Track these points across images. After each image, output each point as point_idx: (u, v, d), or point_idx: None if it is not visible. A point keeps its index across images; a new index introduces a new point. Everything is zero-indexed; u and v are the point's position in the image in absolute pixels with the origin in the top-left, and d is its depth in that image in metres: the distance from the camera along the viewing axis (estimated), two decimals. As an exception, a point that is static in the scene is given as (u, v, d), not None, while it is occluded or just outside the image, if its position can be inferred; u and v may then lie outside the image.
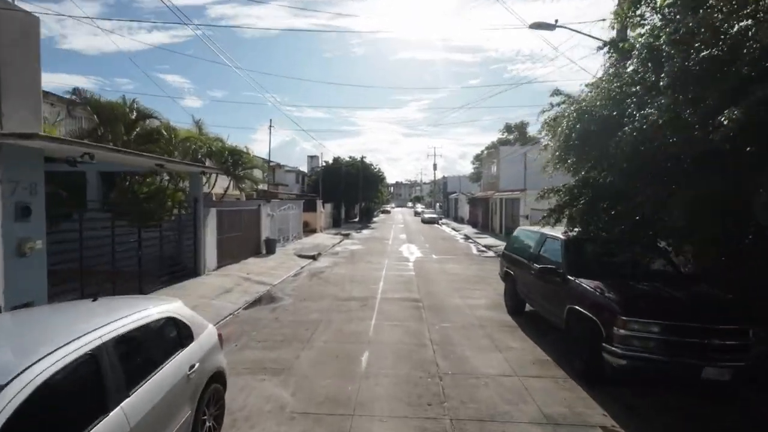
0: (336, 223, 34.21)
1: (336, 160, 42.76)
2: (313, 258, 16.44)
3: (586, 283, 5.61)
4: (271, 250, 16.54)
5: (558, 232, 7.21)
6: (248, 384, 5.23)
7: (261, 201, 17.86)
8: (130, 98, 11.62)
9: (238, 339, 6.95)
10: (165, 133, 11.82)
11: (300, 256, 16.60)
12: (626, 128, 4.28)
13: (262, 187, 32.89)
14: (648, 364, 4.51)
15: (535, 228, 8.83)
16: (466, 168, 56.28)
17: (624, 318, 4.63)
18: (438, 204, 63.76)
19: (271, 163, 37.21)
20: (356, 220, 43.59)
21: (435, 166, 58.80)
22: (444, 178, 62.72)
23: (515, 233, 9.50)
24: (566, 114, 5.76)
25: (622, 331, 4.62)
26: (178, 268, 10.77)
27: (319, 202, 28.67)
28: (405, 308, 8.98)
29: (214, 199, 21.66)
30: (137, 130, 11.57)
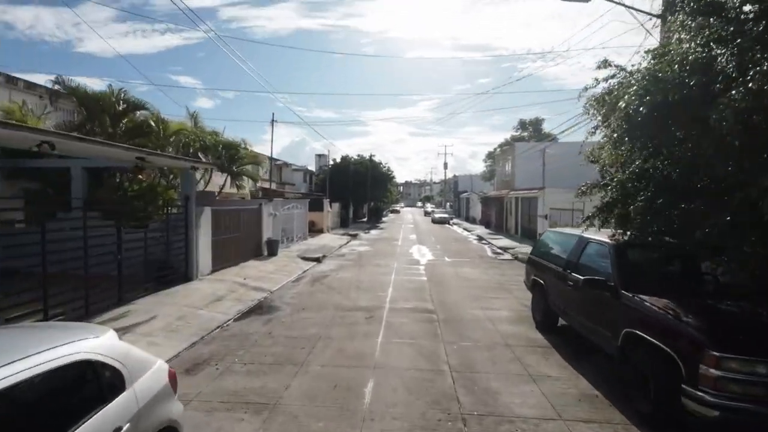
0: (344, 223, 33.21)
1: (344, 158, 41.78)
2: (317, 261, 15.39)
3: (650, 301, 4.41)
4: (272, 251, 15.55)
5: (601, 235, 6.02)
6: (222, 427, 4.16)
7: (263, 200, 16.88)
8: (136, 92, 10.72)
9: (221, 360, 5.91)
10: (154, 126, 10.86)
11: (303, 258, 15.58)
12: (732, 93, 3.12)
13: (265, 185, 32.07)
14: (753, 417, 3.31)
15: (569, 230, 7.63)
16: (477, 168, 54.98)
17: (717, 354, 3.44)
18: (448, 204, 62.39)
19: (278, 162, 36.43)
20: (365, 220, 42.57)
21: (446, 165, 57.46)
22: (455, 177, 61.28)
23: (544, 236, 8.28)
24: (628, 85, 4.57)
25: (713, 372, 3.43)
26: (168, 272, 9.81)
27: (325, 202, 27.69)
28: (417, 321, 7.85)
29: (217, 197, 20.84)
30: (125, 121, 10.64)
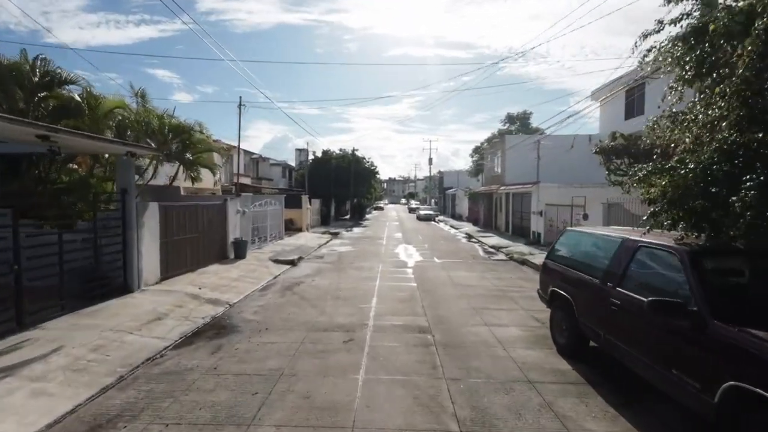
0: (324, 220, 31.37)
1: (325, 153, 39.84)
2: (292, 264, 13.61)
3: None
4: (240, 254, 13.68)
5: (658, 237, 4.50)
6: None
7: (229, 196, 14.92)
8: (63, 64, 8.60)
9: (136, 417, 4.14)
10: (81, 102, 8.82)
11: (276, 261, 13.76)
12: None
13: (242, 180, 29.84)
14: None
15: (602, 231, 6.11)
16: (459, 165, 53.94)
17: None
18: (433, 200, 61.12)
19: (254, 156, 34.25)
20: (347, 217, 40.78)
21: (431, 160, 56.15)
22: (440, 173, 60.03)
23: (564, 237, 6.74)
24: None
25: None
26: (98, 283, 7.89)
27: (304, 198, 25.80)
28: (409, 345, 6.23)
29: (183, 193, 18.71)
30: (42, 95, 8.57)
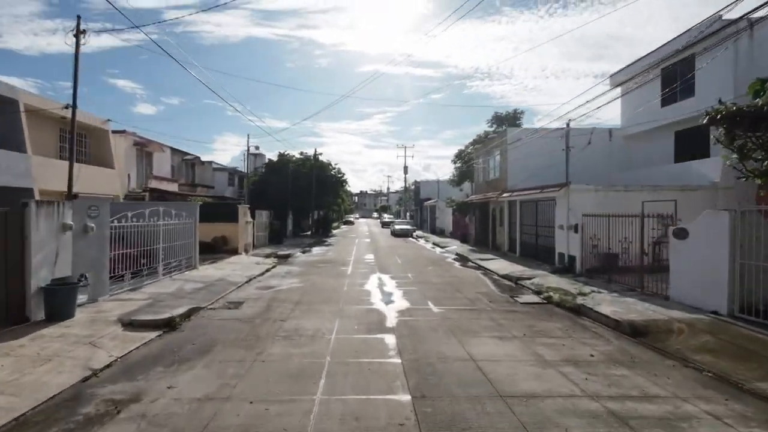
0: (276, 238, 24.70)
1: (282, 156, 33.30)
2: (165, 327, 7.08)
3: None
4: (60, 311, 7.01)
5: None
6: None
7: (38, 201, 8.25)
8: None
9: None
10: None
11: (130, 325, 7.17)
12: None
13: (166, 186, 22.86)
14: None
15: None
16: (432, 179, 48.70)
17: None
18: (408, 213, 55.45)
19: (187, 157, 27.29)
20: (309, 233, 34.10)
21: (406, 169, 50.47)
22: (416, 183, 54.51)
23: None
24: None
25: None
26: None
27: (242, 209, 19.16)
28: None
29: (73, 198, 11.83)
30: None
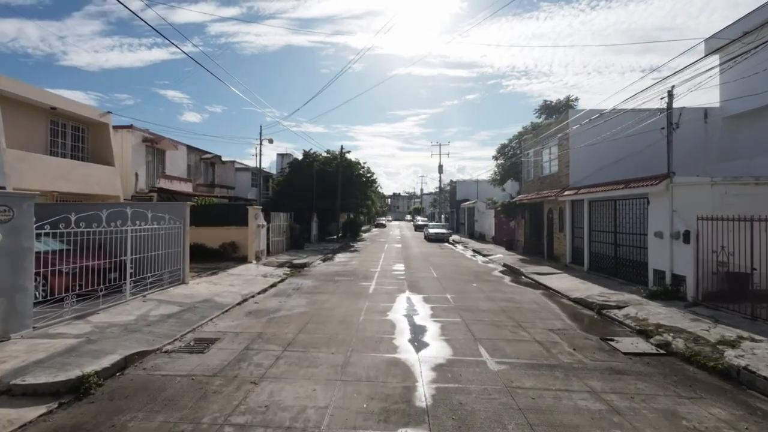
0: (295, 243, 22.22)
1: (307, 154, 30.99)
2: (65, 395, 4.40)
3: None
4: None
5: None
6: None
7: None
8: None
9: None
10: None
11: (6, 393, 4.55)
12: None
13: (178, 186, 21.03)
14: None
15: None
16: (468, 179, 44.92)
17: None
18: (444, 216, 51.83)
19: (206, 156, 25.53)
20: (335, 237, 31.56)
21: (440, 168, 46.80)
22: (452, 183, 50.78)
23: None
24: None
25: None
26: None
27: (252, 211, 16.74)
28: None
29: (54, 200, 9.92)
30: None
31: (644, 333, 7.21)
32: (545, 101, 29.04)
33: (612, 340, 7.00)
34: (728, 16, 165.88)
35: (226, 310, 8.72)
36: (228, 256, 16.52)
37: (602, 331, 7.53)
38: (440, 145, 46.38)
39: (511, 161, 28.87)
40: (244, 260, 16.14)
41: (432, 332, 7.33)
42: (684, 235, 9.05)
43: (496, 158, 31.38)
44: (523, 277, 13.91)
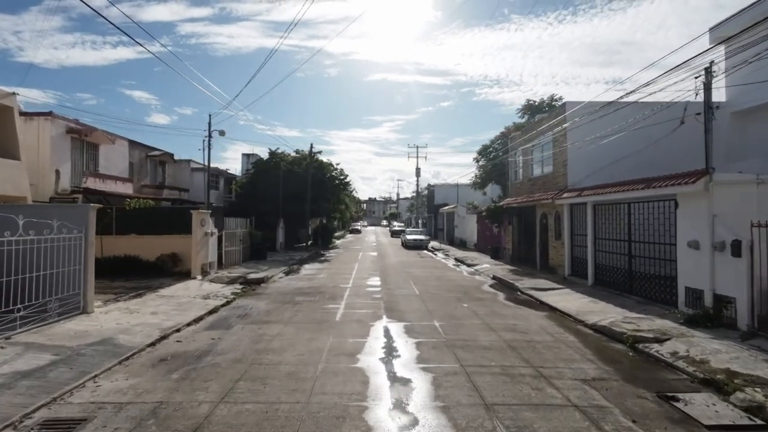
0: (257, 252, 19.46)
1: (273, 154, 28.22)
2: None
3: None
4: None
5: None
6: None
7: None
8: None
9: None
10: None
11: None
12: None
13: (115, 188, 17.93)
14: None
15: None
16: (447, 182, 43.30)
17: None
18: (421, 221, 49.93)
19: (153, 153, 22.44)
20: (305, 245, 28.79)
21: (418, 171, 45.00)
22: (429, 187, 48.95)
23: None
24: None
25: None
26: None
27: (198, 217, 13.94)
28: None
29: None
30: None
31: (713, 384, 5.18)
32: (528, 101, 27.67)
33: (675, 398, 4.91)
34: (682, 33, 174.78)
35: (127, 358, 6.10)
36: (168, 271, 13.69)
37: (654, 382, 5.45)
38: (417, 147, 44.48)
39: (494, 163, 27.23)
40: (187, 275, 13.35)
41: (422, 394, 5.02)
42: (733, 246, 7.18)
43: (477, 160, 29.68)
44: (519, 293, 11.86)
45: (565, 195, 13.05)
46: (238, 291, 11.69)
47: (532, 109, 27.39)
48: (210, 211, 14.63)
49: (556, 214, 14.41)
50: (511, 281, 13.32)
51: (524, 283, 12.78)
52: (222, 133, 16.10)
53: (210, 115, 16.64)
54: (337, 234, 44.43)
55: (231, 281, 13.20)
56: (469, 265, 18.76)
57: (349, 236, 51.92)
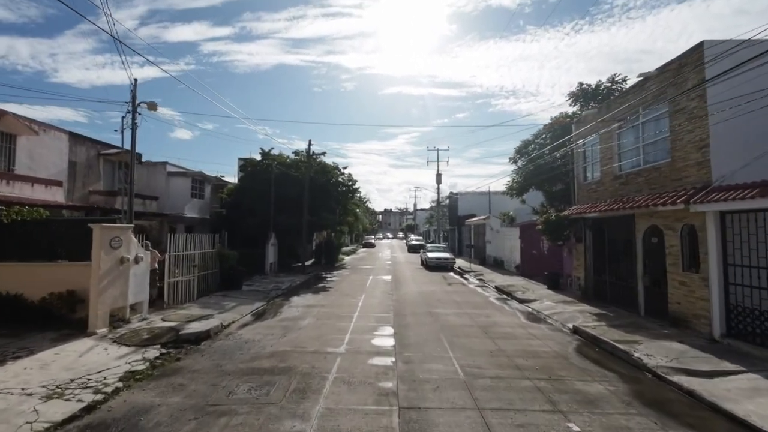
0: (229, 280, 14.33)
1: (266, 154, 23.41)
2: None
3: None
4: None
5: None
6: None
7: None
8: None
9: None
10: None
11: None
12: None
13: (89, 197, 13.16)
14: None
15: None
16: (471, 190, 37.70)
17: None
18: (442, 234, 44.27)
19: (108, 151, 17.87)
20: (301, 264, 23.43)
21: (439, 177, 39.34)
22: (452, 195, 43.28)
23: None
24: None
25: None
26: None
27: (106, 234, 8.85)
28: None
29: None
30: None
31: None
32: (580, 83, 21.96)
33: None
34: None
35: None
36: (62, 319, 8.72)
37: None
38: (438, 150, 39.09)
39: (536, 163, 21.74)
40: (83, 328, 8.33)
41: None
42: None
43: (514, 160, 24.16)
44: (648, 375, 6.30)
45: (716, 197, 7.50)
46: (141, 369, 6.54)
47: (586, 94, 21.81)
48: (132, 226, 9.59)
49: (685, 229, 8.83)
50: (616, 344, 7.76)
51: (648, 352, 7.22)
52: (153, 106, 11.24)
53: (136, 80, 11.75)
54: (346, 249, 39.30)
55: (151, 339, 8.08)
56: (521, 301, 13.20)
57: (362, 251, 46.64)
